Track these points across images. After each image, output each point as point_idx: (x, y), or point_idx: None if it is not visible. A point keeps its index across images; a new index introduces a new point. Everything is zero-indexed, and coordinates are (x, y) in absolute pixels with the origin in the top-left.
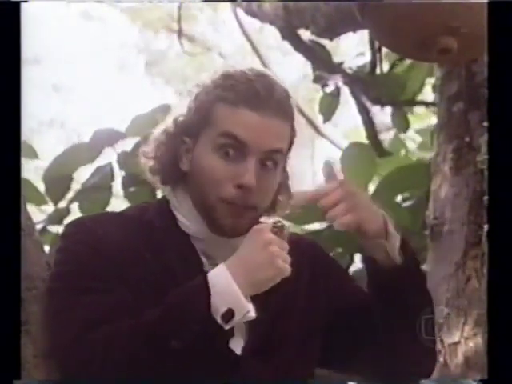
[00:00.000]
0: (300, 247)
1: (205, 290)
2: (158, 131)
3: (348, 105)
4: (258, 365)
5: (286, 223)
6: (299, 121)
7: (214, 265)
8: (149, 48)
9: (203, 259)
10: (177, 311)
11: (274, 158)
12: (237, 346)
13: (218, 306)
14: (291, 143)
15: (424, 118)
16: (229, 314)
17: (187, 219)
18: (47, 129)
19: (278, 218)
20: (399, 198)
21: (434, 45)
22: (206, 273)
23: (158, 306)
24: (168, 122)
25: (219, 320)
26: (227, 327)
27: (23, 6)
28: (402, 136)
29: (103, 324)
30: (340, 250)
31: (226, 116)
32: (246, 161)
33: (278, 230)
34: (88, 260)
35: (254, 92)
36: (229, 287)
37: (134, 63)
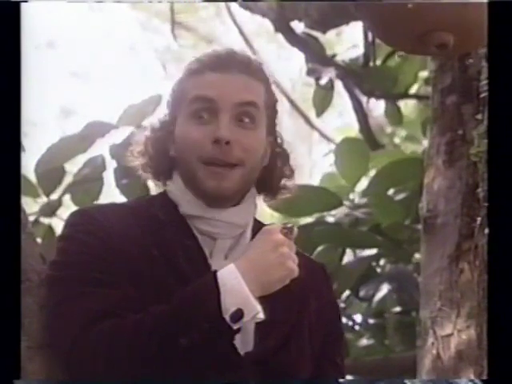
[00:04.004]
0: (313, 268)
1: (214, 288)
2: (145, 132)
3: (343, 99)
4: (259, 369)
5: (278, 215)
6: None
7: (214, 261)
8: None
9: (207, 253)
10: (186, 308)
11: (250, 113)
12: (242, 349)
13: (228, 305)
14: (273, 106)
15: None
16: (238, 314)
17: (183, 200)
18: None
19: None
20: (393, 191)
21: (431, 40)
22: (215, 271)
23: (166, 303)
24: (153, 120)
25: (228, 319)
26: (235, 327)
27: (23, 5)
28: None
29: (107, 318)
30: (331, 244)
31: (193, 84)
32: (218, 118)
33: (287, 231)
34: (95, 251)
35: (216, 57)
36: (239, 287)
37: (142, 56)
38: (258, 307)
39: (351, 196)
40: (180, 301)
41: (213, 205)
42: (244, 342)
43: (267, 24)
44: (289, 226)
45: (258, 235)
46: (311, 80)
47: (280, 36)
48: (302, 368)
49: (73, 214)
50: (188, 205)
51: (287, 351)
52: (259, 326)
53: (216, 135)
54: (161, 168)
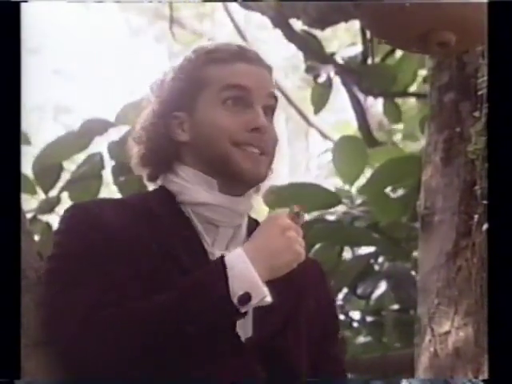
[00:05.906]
0: (307, 263)
1: (222, 273)
2: (141, 119)
3: (341, 96)
4: (258, 354)
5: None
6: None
7: (216, 250)
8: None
9: (206, 246)
10: (194, 293)
11: (272, 106)
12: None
13: (236, 289)
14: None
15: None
16: (245, 298)
17: (190, 187)
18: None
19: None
20: (391, 189)
21: (433, 38)
22: (222, 256)
23: (173, 290)
24: (150, 107)
25: (236, 303)
26: (243, 310)
27: (23, 5)
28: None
29: (109, 307)
30: (329, 241)
31: (222, 72)
32: (253, 107)
33: (294, 216)
34: (92, 243)
35: (239, 48)
36: (247, 271)
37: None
38: (266, 291)
39: (349, 194)
40: (187, 286)
41: (231, 189)
42: (243, 329)
43: (266, 21)
44: (296, 210)
45: (264, 221)
46: (309, 77)
47: (278, 33)
48: (299, 355)
49: (68, 209)
50: (195, 192)
51: (284, 338)
52: (257, 313)
53: (256, 124)
54: (162, 162)
